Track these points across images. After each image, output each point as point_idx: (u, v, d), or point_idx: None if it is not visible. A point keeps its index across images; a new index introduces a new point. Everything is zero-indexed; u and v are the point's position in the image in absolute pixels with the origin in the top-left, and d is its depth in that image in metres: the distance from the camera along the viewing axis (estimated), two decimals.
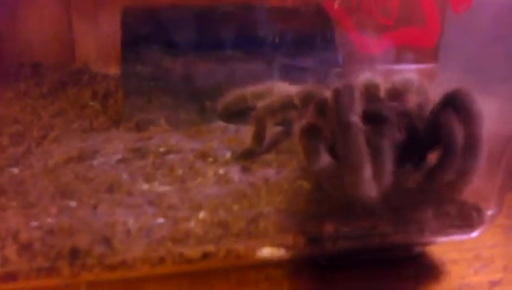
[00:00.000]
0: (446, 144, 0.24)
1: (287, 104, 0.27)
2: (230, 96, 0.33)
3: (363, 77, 0.29)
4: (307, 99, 0.27)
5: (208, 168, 0.28)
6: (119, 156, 0.29)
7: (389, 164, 0.24)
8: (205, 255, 0.22)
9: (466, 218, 0.25)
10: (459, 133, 0.24)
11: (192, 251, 0.22)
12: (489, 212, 0.26)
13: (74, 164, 0.28)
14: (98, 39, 0.49)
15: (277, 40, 0.39)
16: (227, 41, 0.38)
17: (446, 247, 0.28)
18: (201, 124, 0.35)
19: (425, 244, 0.27)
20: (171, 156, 0.29)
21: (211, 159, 0.29)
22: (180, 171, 0.27)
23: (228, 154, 0.30)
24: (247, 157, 0.29)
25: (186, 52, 0.37)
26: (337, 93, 0.24)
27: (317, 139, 0.25)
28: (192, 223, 0.23)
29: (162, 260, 0.21)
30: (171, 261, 0.21)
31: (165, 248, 0.21)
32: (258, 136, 0.29)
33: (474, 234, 0.26)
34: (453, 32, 0.48)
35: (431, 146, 0.25)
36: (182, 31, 0.38)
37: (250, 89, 0.31)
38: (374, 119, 0.24)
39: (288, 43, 0.39)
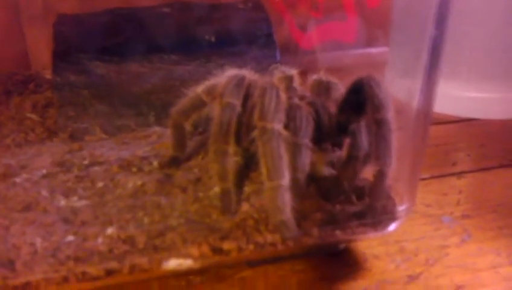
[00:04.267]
0: (351, 155, 0.25)
1: (196, 103, 0.27)
2: (183, 100, 0.29)
3: (279, 70, 0.30)
4: (212, 93, 0.27)
5: (129, 179, 0.28)
6: (44, 171, 0.29)
7: (306, 165, 0.24)
8: (109, 272, 0.22)
9: (378, 215, 0.25)
10: (364, 135, 0.25)
11: (94, 269, 0.22)
12: (402, 207, 0.26)
13: None
14: (50, 44, 0.49)
15: (213, 38, 0.39)
16: (163, 43, 0.38)
17: (371, 241, 0.29)
18: (137, 130, 0.35)
19: (341, 242, 0.27)
20: (95, 168, 0.29)
21: (135, 169, 0.29)
22: (100, 184, 0.28)
23: (155, 163, 0.30)
24: (171, 165, 0.29)
25: (122, 57, 0.37)
26: (262, 96, 0.24)
27: (227, 162, 0.25)
28: (99, 240, 0.23)
29: (66, 279, 0.22)
30: (75, 279, 0.22)
31: (67, 268, 0.22)
32: (178, 142, 0.29)
33: (389, 230, 0.26)
34: (401, 15, 0.47)
35: (335, 134, 0.26)
36: (117, 36, 0.38)
37: (200, 87, 0.28)
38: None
39: (224, 41, 0.39)
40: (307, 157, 0.24)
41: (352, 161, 0.25)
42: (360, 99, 0.26)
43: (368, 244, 0.28)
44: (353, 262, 0.27)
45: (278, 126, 0.23)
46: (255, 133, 0.23)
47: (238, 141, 0.26)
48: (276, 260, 0.27)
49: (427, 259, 0.28)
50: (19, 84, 0.43)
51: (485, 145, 0.40)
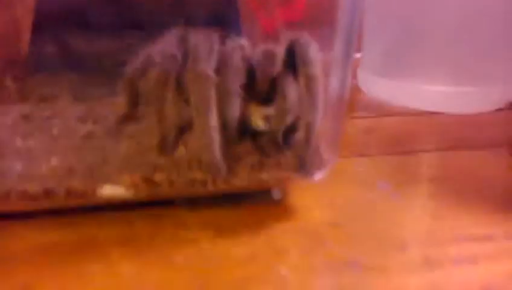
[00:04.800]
0: (280, 107, 0.27)
1: (148, 62, 0.30)
2: (135, 60, 0.32)
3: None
4: (168, 56, 0.29)
5: (83, 128, 0.31)
6: (8, 121, 0.32)
7: (235, 111, 0.27)
8: (47, 192, 0.25)
9: (306, 164, 0.27)
10: (293, 90, 0.27)
11: (34, 188, 0.24)
12: (327, 157, 0.28)
13: None
14: None
15: (182, 21, 0.42)
16: (136, 20, 0.41)
17: (305, 195, 0.31)
18: (104, 98, 0.38)
19: (269, 187, 0.29)
20: (55, 120, 0.32)
21: (90, 122, 0.32)
22: (56, 131, 0.30)
23: (111, 119, 0.33)
24: (125, 121, 0.32)
25: (97, 31, 0.40)
26: (196, 45, 0.27)
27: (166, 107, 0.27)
28: (43, 167, 0.26)
29: (7, 195, 0.24)
30: (15, 197, 0.24)
31: (10, 184, 0.24)
32: (131, 100, 0.32)
33: (315, 178, 0.28)
34: (374, 18, 0.50)
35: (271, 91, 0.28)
36: (95, 12, 0.41)
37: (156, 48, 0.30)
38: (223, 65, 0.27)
39: (192, 23, 0.42)
40: (236, 104, 0.27)
41: (280, 112, 0.28)
42: (293, 59, 0.28)
43: (301, 196, 0.30)
44: (282, 210, 0.29)
45: (209, 71, 0.26)
46: (187, 77, 0.26)
47: (180, 94, 0.29)
48: (210, 202, 0.29)
49: (353, 211, 0.29)
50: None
51: (445, 135, 0.42)
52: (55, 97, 0.37)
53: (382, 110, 0.48)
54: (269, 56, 0.30)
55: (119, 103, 0.33)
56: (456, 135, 0.42)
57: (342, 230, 0.28)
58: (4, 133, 0.30)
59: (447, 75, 0.48)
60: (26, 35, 0.50)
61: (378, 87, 0.52)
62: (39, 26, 0.39)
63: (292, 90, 0.28)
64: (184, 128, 0.29)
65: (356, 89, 0.54)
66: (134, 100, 0.32)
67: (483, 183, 0.33)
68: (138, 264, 0.24)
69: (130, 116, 0.32)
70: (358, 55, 0.56)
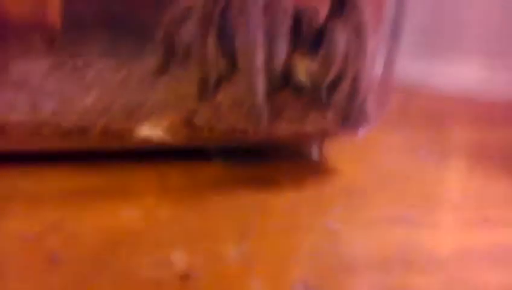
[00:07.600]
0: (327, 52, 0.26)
1: (187, 13, 0.29)
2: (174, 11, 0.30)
3: None
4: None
5: (117, 76, 0.29)
6: (42, 70, 0.31)
7: (281, 55, 0.25)
8: (82, 129, 0.23)
9: (348, 117, 0.26)
10: (340, 38, 0.26)
11: (68, 123, 0.23)
12: (373, 112, 0.27)
13: None
14: None
15: None
16: None
17: (347, 161, 0.29)
18: (138, 56, 0.37)
19: (309, 139, 0.27)
20: (87, 69, 0.31)
21: (125, 72, 0.30)
22: (90, 77, 0.29)
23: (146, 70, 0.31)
24: (161, 71, 0.31)
25: None
26: None
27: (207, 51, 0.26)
28: (78, 105, 0.24)
29: (39, 128, 0.23)
30: (48, 130, 0.23)
31: (44, 117, 0.23)
32: (168, 49, 0.30)
33: (359, 132, 0.26)
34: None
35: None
36: None
37: None
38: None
39: None
40: (282, 47, 0.25)
41: (326, 61, 0.26)
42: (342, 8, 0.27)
43: (340, 159, 0.29)
44: (322, 170, 0.28)
45: (255, 9, 0.24)
46: (232, 17, 0.24)
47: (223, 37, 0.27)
48: (246, 159, 0.27)
49: (398, 173, 0.28)
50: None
51: (479, 116, 0.40)
52: (84, 54, 0.36)
53: (412, 91, 0.46)
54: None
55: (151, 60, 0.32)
56: (490, 116, 0.40)
57: (388, 189, 0.26)
58: (35, 76, 0.29)
59: (482, 58, 0.46)
60: None
61: (409, 69, 0.50)
62: None
63: (340, 38, 0.26)
64: (225, 76, 0.28)
65: None
66: (171, 49, 0.31)
67: None
68: (174, 209, 0.23)
69: (165, 68, 0.31)
70: None
